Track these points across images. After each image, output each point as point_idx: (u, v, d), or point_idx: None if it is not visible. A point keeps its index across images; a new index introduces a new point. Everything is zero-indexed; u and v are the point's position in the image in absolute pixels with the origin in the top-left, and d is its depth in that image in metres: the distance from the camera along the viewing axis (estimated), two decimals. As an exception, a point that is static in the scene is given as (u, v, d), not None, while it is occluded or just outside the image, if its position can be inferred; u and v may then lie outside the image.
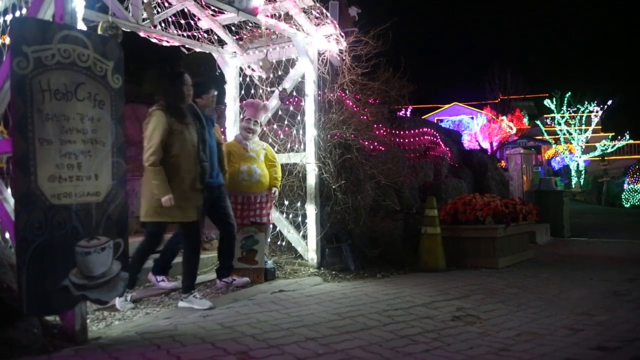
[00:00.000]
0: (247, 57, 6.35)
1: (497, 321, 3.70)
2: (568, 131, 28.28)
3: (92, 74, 3.22)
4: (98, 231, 3.23)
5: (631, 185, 21.60)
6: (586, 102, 27.83)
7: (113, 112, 3.34)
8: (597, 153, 28.03)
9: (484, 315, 3.87)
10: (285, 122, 6.43)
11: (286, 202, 6.21)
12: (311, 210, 5.85)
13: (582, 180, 27.50)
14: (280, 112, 6.45)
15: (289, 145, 6.36)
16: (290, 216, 6.16)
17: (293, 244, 6.09)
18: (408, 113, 12.00)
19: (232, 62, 6.41)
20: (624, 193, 21.48)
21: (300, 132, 6.20)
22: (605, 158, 26.67)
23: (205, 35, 6.04)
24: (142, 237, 4.71)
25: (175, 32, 5.63)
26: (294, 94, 6.46)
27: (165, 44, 5.66)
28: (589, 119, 28.11)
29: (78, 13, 3.30)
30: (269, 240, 5.88)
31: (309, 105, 5.94)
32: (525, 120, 29.65)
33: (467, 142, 21.04)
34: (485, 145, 23.96)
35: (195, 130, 4.34)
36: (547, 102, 29.01)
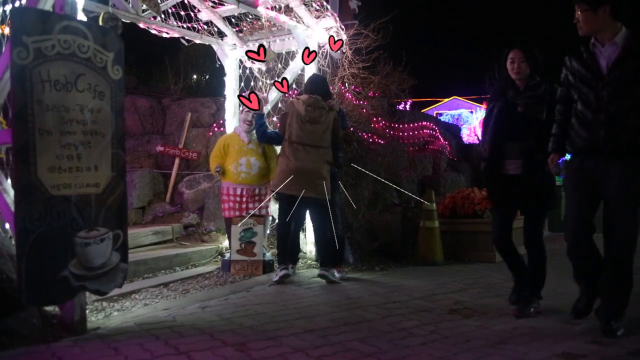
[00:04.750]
0: (247, 49, 6.33)
1: (494, 314, 3.71)
2: (567, 126, 28.24)
3: (92, 65, 3.21)
4: (97, 222, 3.24)
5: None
6: (586, 97, 27.76)
7: (113, 104, 3.34)
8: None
9: (482, 308, 3.89)
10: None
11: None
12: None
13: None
14: (279, 105, 6.45)
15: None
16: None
17: (291, 237, 6.09)
18: (407, 107, 11.99)
19: (232, 54, 6.40)
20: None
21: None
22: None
23: (205, 27, 6.02)
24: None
25: (175, 23, 5.62)
26: (294, 86, 6.46)
27: (164, 35, 5.65)
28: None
29: (78, 4, 3.29)
30: (267, 232, 5.89)
31: (309, 98, 5.92)
32: (525, 115, 29.49)
33: (466, 136, 21.01)
34: (485, 139, 23.88)
35: None
36: (546, 96, 28.95)
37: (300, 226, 5.27)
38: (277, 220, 5.15)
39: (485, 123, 3.95)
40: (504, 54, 3.84)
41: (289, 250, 5.00)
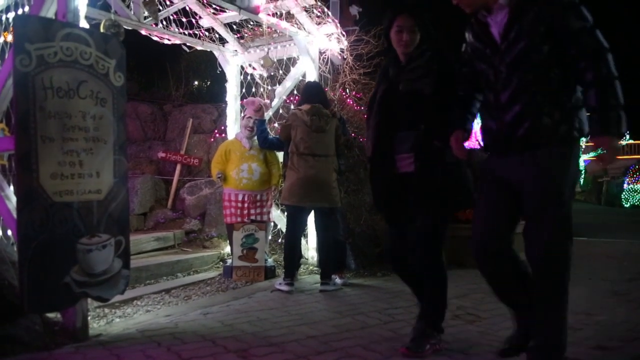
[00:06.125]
0: (248, 55, 6.36)
1: (496, 320, 3.70)
2: (568, 131, 28.15)
3: (94, 72, 3.22)
4: (99, 229, 3.24)
5: (631, 185, 21.60)
6: (586, 102, 27.69)
7: (115, 110, 3.34)
8: (597, 153, 27.95)
9: (484, 314, 3.88)
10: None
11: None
12: (311, 208, 5.85)
13: (581, 180, 27.46)
14: (281, 111, 6.46)
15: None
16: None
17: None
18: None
19: (233, 60, 6.42)
20: (624, 193, 21.49)
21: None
22: (605, 158, 26.57)
23: (207, 33, 6.05)
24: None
25: (176, 30, 5.64)
26: (295, 92, 6.47)
27: (166, 42, 5.67)
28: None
29: (80, 11, 3.30)
30: (269, 238, 5.89)
31: (310, 104, 5.93)
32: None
33: (467, 141, 20.99)
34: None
35: None
36: (547, 101, 28.86)
37: (302, 232, 5.28)
38: (285, 232, 5.16)
39: (368, 114, 3.13)
40: (387, 20, 3.00)
41: (297, 265, 5.00)
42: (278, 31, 6.01)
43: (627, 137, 28.69)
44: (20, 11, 3.90)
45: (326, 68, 6.26)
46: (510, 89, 2.44)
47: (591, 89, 2.30)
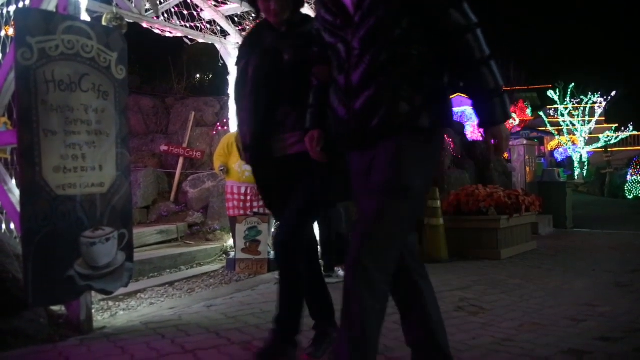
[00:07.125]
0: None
1: (500, 312, 3.70)
2: (571, 122, 28.14)
3: (96, 65, 3.22)
4: (103, 222, 3.24)
5: (634, 177, 21.56)
6: (590, 93, 27.65)
7: (117, 103, 3.34)
8: (600, 144, 27.89)
9: (487, 305, 3.88)
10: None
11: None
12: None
13: (585, 172, 27.41)
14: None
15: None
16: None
17: (296, 235, 6.09)
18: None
19: (235, 52, 6.39)
20: (627, 184, 21.46)
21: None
22: (609, 149, 26.57)
23: (208, 26, 6.03)
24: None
25: (178, 23, 5.63)
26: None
27: (167, 34, 5.66)
28: (592, 110, 27.93)
29: (82, 4, 3.31)
30: (272, 231, 5.89)
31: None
32: (529, 111, 29.54)
33: (470, 133, 20.97)
34: (488, 136, 23.78)
35: None
36: (550, 93, 28.83)
37: None
38: None
39: (239, 93, 2.63)
40: None
41: None
42: (280, 23, 5.99)
43: (631, 128, 28.64)
44: (21, 4, 3.89)
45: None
46: (362, 68, 1.97)
47: (466, 73, 1.95)
